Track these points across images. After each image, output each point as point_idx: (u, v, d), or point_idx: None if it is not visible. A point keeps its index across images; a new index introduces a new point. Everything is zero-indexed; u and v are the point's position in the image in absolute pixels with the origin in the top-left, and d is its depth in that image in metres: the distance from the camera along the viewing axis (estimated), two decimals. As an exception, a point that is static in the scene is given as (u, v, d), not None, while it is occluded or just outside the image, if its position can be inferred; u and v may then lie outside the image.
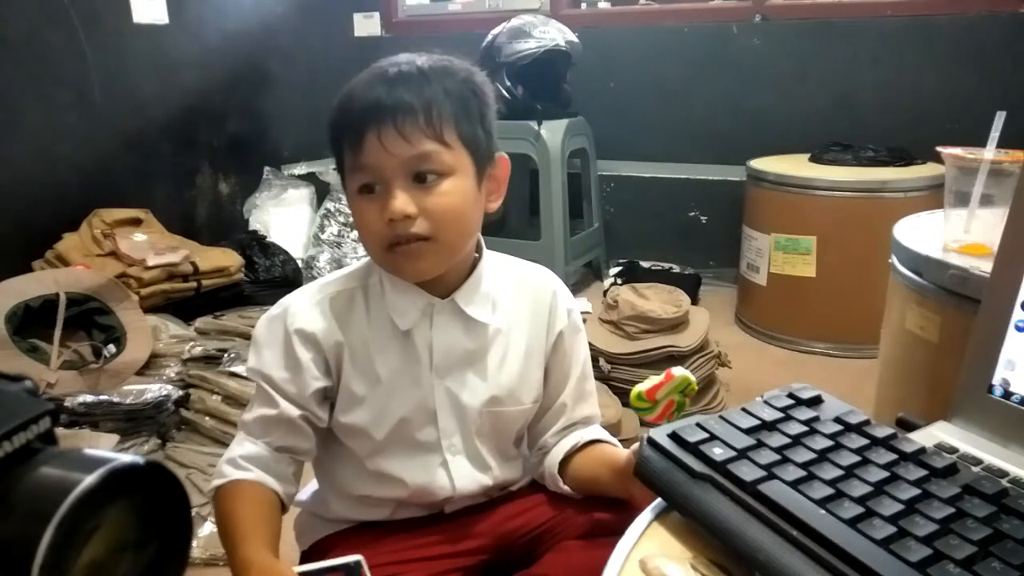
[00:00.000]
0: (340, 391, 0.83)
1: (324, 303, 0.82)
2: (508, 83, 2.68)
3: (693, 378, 0.78)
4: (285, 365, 0.81)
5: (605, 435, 0.89)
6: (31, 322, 1.90)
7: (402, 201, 0.74)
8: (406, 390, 0.83)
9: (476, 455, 0.87)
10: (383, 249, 0.77)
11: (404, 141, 0.74)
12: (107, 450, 0.37)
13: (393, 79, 0.76)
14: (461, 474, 0.85)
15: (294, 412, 0.81)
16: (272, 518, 0.80)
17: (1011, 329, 0.60)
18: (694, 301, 2.53)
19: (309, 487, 0.94)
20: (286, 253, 2.77)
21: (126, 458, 0.34)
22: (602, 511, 0.84)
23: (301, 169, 3.32)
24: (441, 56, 0.80)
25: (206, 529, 1.50)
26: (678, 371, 0.77)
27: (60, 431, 0.37)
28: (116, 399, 1.73)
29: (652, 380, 0.77)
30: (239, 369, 1.89)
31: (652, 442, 0.58)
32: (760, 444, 0.56)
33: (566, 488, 0.87)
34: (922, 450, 0.55)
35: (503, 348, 0.86)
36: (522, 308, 0.88)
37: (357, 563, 0.70)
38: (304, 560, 0.87)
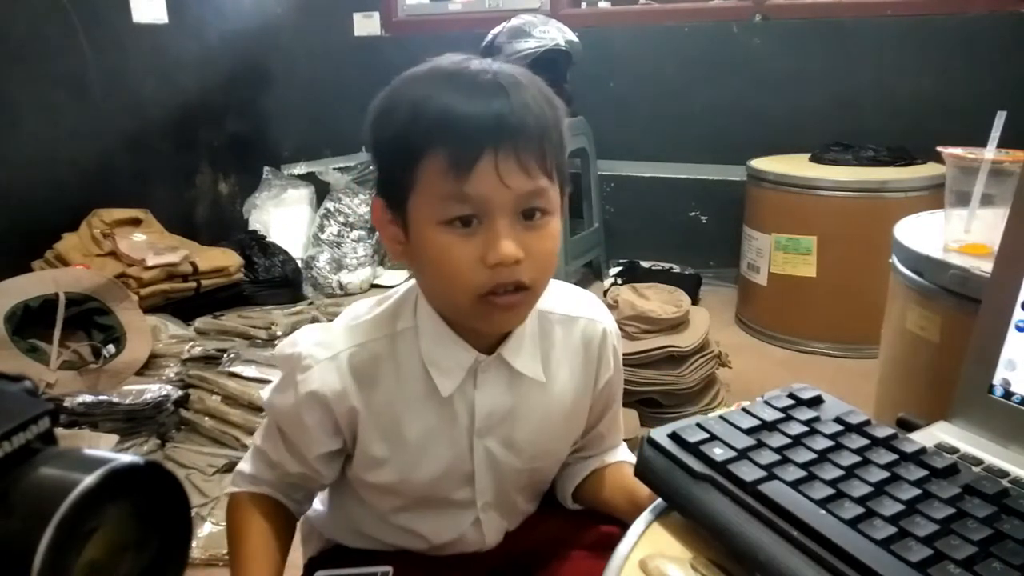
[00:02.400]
0: (357, 451, 0.75)
1: (342, 359, 0.72)
2: (508, 83, 2.67)
3: None
4: (293, 422, 0.74)
5: (628, 457, 0.84)
6: (31, 322, 1.90)
7: (513, 244, 0.63)
8: (440, 451, 0.75)
9: (509, 505, 0.82)
10: (475, 297, 0.65)
11: (523, 173, 0.63)
12: (106, 450, 0.37)
13: (506, 89, 0.63)
14: (492, 528, 0.81)
15: (295, 468, 0.77)
16: (280, 535, 0.79)
17: (1012, 329, 0.60)
18: (694, 301, 2.53)
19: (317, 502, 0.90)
20: (286, 253, 2.77)
21: (126, 458, 0.34)
22: (611, 525, 0.82)
23: (301, 169, 3.32)
24: (510, 65, 0.68)
25: (206, 529, 1.50)
26: None
27: (59, 431, 0.37)
28: (115, 399, 1.73)
29: None
30: (238, 369, 1.89)
31: (652, 442, 0.58)
32: (760, 444, 0.56)
33: (573, 506, 0.85)
34: (922, 450, 0.55)
35: (548, 401, 0.77)
36: (569, 355, 0.78)
37: (386, 573, 0.70)
38: (309, 567, 0.86)
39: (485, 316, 0.67)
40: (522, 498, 0.84)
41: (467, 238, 0.64)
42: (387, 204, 0.69)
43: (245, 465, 0.81)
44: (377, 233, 3.41)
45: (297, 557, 0.92)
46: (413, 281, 0.74)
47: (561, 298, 0.79)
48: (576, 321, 0.79)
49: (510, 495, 0.81)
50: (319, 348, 0.73)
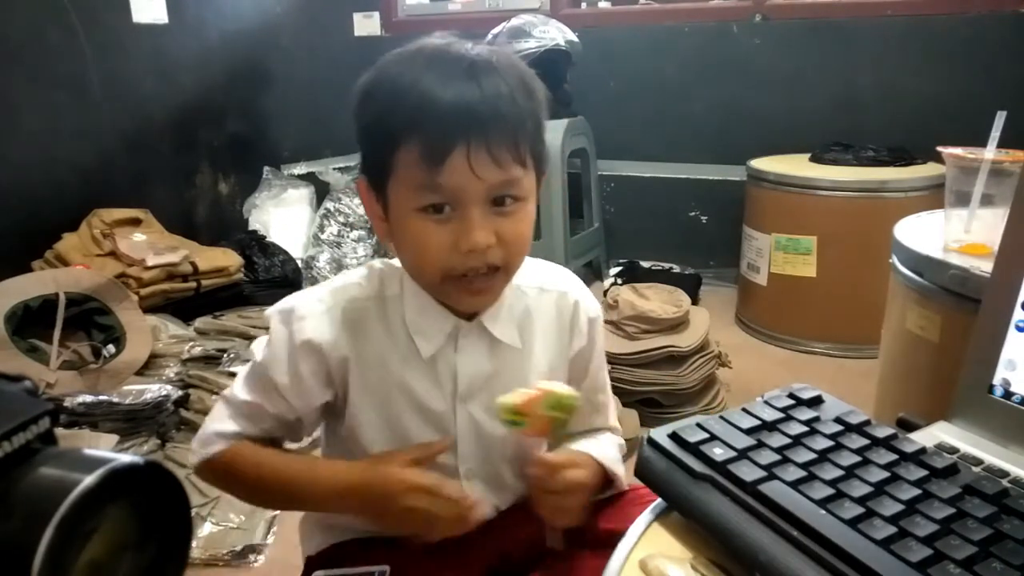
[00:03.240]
0: (348, 407, 0.78)
1: (335, 311, 0.75)
2: (508, 83, 2.68)
3: (573, 393, 0.68)
4: (288, 371, 0.76)
5: (606, 450, 0.84)
6: (31, 322, 1.90)
7: (485, 232, 0.66)
8: (423, 414, 0.78)
9: (495, 477, 0.83)
10: (447, 278, 0.69)
11: (495, 165, 0.65)
12: (106, 450, 0.37)
13: (479, 79, 0.65)
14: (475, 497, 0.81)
15: (290, 416, 0.78)
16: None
17: (1012, 329, 0.60)
18: (694, 301, 2.53)
19: None
20: (286, 253, 2.77)
21: (125, 458, 0.34)
22: (605, 521, 0.83)
23: (301, 169, 3.32)
24: (491, 45, 0.70)
25: (206, 529, 1.50)
26: (551, 386, 0.68)
27: (59, 431, 0.37)
28: (115, 399, 1.73)
29: (523, 393, 0.68)
30: (239, 369, 1.88)
31: (652, 442, 0.58)
32: (760, 444, 0.56)
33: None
34: (922, 450, 0.55)
35: (526, 367, 0.80)
36: (544, 323, 0.82)
37: (383, 573, 0.70)
38: (309, 566, 0.86)
39: (456, 296, 0.72)
40: (509, 472, 0.83)
41: (441, 224, 0.67)
42: (369, 184, 0.72)
43: (223, 424, 0.77)
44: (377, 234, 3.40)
45: (297, 556, 0.92)
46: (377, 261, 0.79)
47: (536, 273, 0.83)
48: (549, 293, 0.83)
49: (496, 466, 0.82)
50: (313, 302, 0.76)
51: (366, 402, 0.77)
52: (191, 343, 2.02)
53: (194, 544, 1.45)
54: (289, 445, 0.84)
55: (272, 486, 0.78)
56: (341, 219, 3.14)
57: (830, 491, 0.50)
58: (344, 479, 0.75)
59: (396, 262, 0.79)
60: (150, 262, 2.21)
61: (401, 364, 0.76)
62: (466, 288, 0.70)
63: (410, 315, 0.76)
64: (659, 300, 2.05)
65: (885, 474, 0.52)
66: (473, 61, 0.67)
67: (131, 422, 1.75)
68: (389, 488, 0.71)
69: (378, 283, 0.78)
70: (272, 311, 0.78)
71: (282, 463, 0.78)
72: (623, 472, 0.84)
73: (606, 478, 0.83)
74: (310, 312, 0.75)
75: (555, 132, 2.73)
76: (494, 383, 0.77)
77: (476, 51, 0.68)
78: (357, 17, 3.55)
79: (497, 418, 0.70)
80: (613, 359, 1.92)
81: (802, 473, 0.52)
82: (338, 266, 3.00)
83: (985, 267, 0.95)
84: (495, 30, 2.75)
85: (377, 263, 0.81)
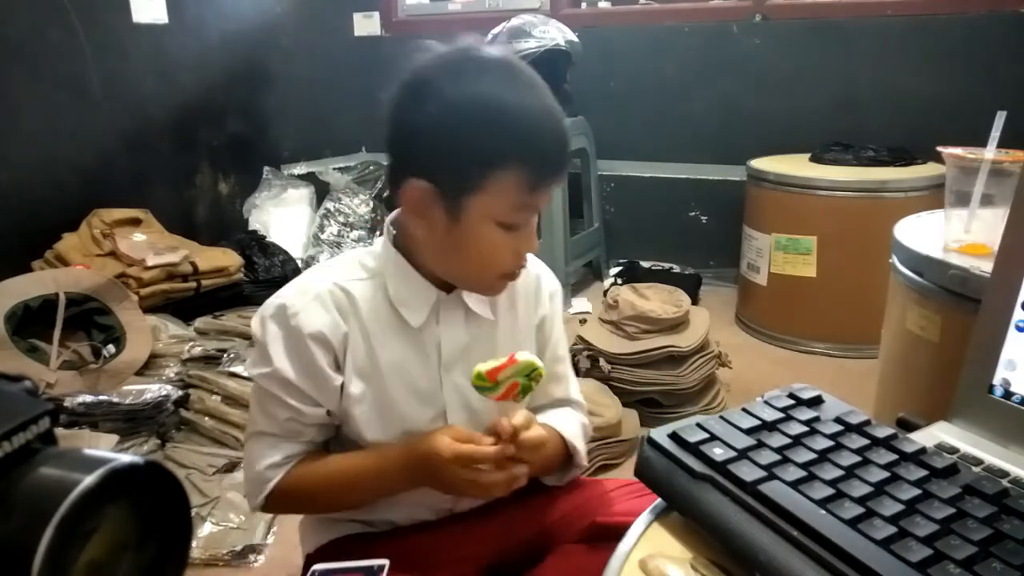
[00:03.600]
0: (344, 381, 0.81)
1: (324, 297, 0.79)
2: (508, 83, 2.68)
3: (539, 363, 0.74)
4: (301, 368, 0.78)
5: (567, 423, 0.88)
6: (31, 322, 1.89)
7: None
8: (412, 385, 0.82)
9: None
10: (498, 277, 0.79)
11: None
12: (106, 450, 0.37)
13: (557, 116, 0.75)
14: None
15: (321, 412, 0.80)
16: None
17: (1012, 329, 0.60)
18: (694, 301, 2.53)
19: None
20: (286, 253, 2.77)
21: (125, 458, 0.34)
22: (602, 516, 0.84)
23: (301, 169, 3.32)
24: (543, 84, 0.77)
25: (206, 529, 1.50)
26: (522, 355, 0.73)
27: (59, 431, 0.37)
28: (115, 399, 1.73)
29: (495, 361, 0.74)
30: (238, 369, 1.89)
31: (652, 442, 0.58)
32: (760, 444, 0.56)
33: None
34: (922, 450, 0.55)
35: (496, 337, 0.86)
36: (510, 296, 0.88)
37: (381, 567, 0.70)
38: (309, 563, 0.86)
39: (495, 288, 0.81)
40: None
41: (507, 235, 0.76)
42: (439, 192, 0.73)
43: (268, 458, 0.80)
44: (377, 233, 3.41)
45: (297, 556, 0.92)
46: (381, 239, 0.83)
47: None
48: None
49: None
50: (298, 295, 0.79)
51: (356, 377, 0.80)
52: (191, 343, 2.02)
53: (194, 544, 1.45)
54: None
55: (344, 491, 0.82)
56: (341, 219, 3.14)
57: (830, 491, 0.50)
58: (403, 462, 0.78)
59: (373, 247, 0.84)
60: (150, 262, 2.21)
61: (386, 338, 0.80)
62: (509, 281, 0.81)
63: (394, 289, 0.80)
64: (659, 300, 2.05)
65: (885, 474, 0.52)
66: (552, 104, 0.74)
67: (131, 422, 1.75)
68: (432, 463, 0.75)
69: (356, 265, 0.82)
70: (260, 318, 0.80)
71: (344, 467, 0.81)
72: (584, 448, 0.89)
73: (567, 452, 0.87)
74: (300, 305, 0.78)
75: (555, 132, 2.72)
76: (470, 352, 0.83)
77: (544, 90, 0.75)
78: (357, 17, 3.55)
79: (471, 384, 0.75)
80: (613, 359, 1.92)
81: (802, 473, 0.52)
82: (338, 266, 3.00)
83: (985, 267, 0.95)
84: (495, 30, 2.75)
85: (353, 250, 0.86)
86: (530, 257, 0.90)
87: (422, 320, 0.80)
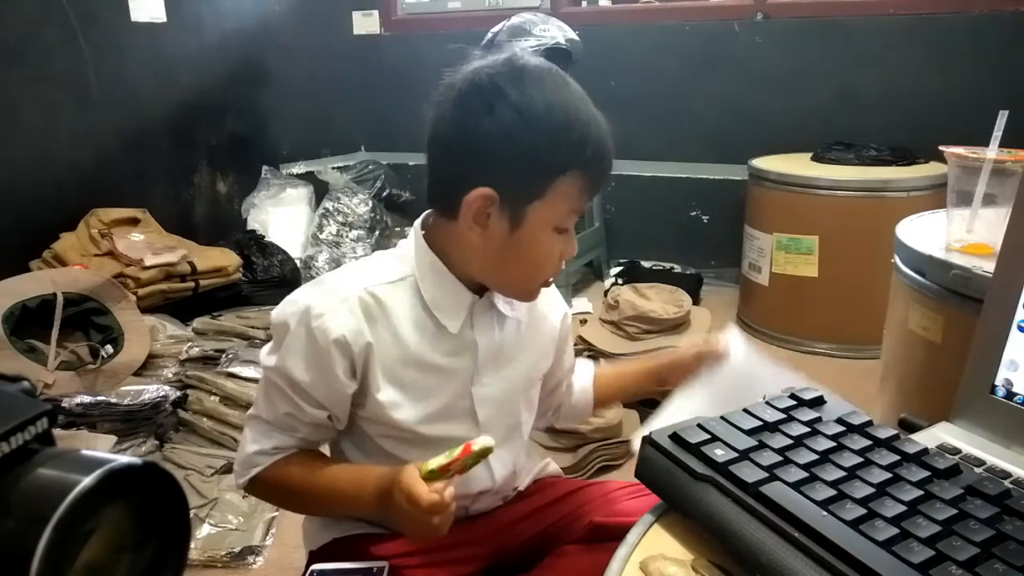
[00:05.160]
0: (370, 390, 0.79)
1: (352, 300, 0.77)
2: (508, 82, 2.67)
3: (491, 443, 0.70)
4: (313, 370, 0.77)
5: (589, 363, 1.03)
6: (28, 322, 1.89)
7: None
8: (445, 387, 0.81)
9: (514, 447, 0.88)
10: (541, 283, 0.81)
11: None
12: (104, 451, 0.37)
13: (605, 126, 0.77)
14: (499, 466, 0.86)
15: (322, 415, 0.79)
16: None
17: (1014, 329, 0.60)
18: (695, 301, 2.53)
19: None
20: (284, 253, 2.76)
21: (124, 459, 0.34)
22: (601, 517, 0.84)
23: (299, 168, 3.32)
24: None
25: (204, 530, 1.50)
26: (478, 443, 0.69)
27: (57, 432, 0.36)
28: (114, 400, 1.73)
29: (446, 456, 0.70)
30: (237, 370, 1.88)
31: (652, 442, 0.58)
32: (762, 445, 0.56)
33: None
34: (924, 451, 0.55)
35: (522, 336, 0.87)
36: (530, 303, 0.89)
37: (381, 569, 0.70)
38: (311, 561, 0.86)
39: (535, 293, 0.82)
40: (518, 435, 0.90)
41: (557, 239, 0.77)
42: (503, 200, 0.73)
43: (259, 443, 0.81)
44: (376, 232, 3.39)
45: (298, 557, 0.92)
46: (408, 241, 0.82)
47: None
48: None
49: (511, 431, 0.88)
50: (326, 297, 0.77)
51: (392, 384, 0.79)
52: (189, 343, 2.02)
53: (193, 545, 1.45)
54: None
55: (319, 499, 0.82)
56: (340, 219, 3.13)
57: (832, 492, 0.50)
58: (378, 491, 0.75)
59: (400, 250, 0.82)
60: (148, 262, 2.21)
61: (423, 342, 0.79)
62: (546, 287, 0.82)
63: (429, 294, 0.79)
64: (660, 300, 2.04)
65: (887, 475, 0.52)
66: (580, 88, 0.77)
67: (129, 423, 1.74)
68: (395, 496, 0.72)
69: (388, 269, 0.80)
70: (283, 313, 0.78)
71: (325, 477, 0.80)
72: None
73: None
74: (326, 307, 0.76)
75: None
76: (502, 354, 0.84)
77: (570, 78, 0.77)
78: (356, 15, 3.55)
79: (422, 477, 0.71)
80: (614, 360, 1.92)
81: (804, 474, 0.52)
82: (336, 266, 2.99)
83: (987, 267, 0.94)
84: (495, 28, 2.74)
85: (380, 252, 0.85)
86: None
87: (459, 325, 0.80)
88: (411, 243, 0.81)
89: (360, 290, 0.77)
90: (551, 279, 0.81)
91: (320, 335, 0.75)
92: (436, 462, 0.70)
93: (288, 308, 0.78)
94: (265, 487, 0.83)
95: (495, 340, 0.83)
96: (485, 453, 0.70)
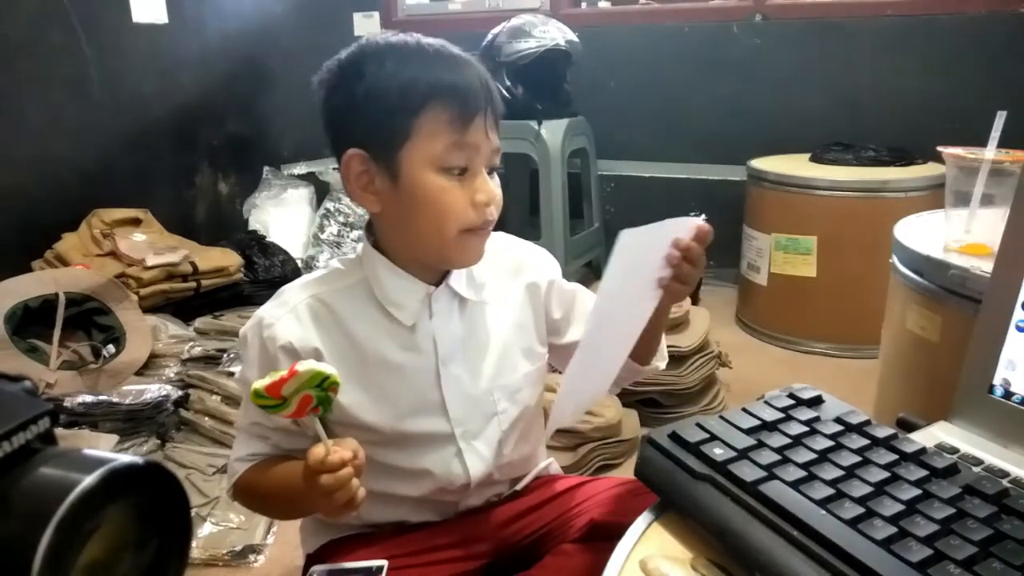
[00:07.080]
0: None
1: (299, 309, 0.80)
2: (508, 83, 2.68)
3: (328, 370, 0.67)
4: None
5: None
6: (30, 322, 1.89)
7: (495, 187, 0.78)
8: (410, 383, 0.81)
9: (492, 438, 0.86)
10: (459, 231, 0.76)
11: (494, 132, 0.78)
12: (106, 450, 0.37)
13: (473, 66, 0.77)
14: (475, 460, 0.84)
15: (286, 421, 0.78)
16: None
17: (1012, 329, 0.60)
18: (694, 301, 2.53)
19: None
20: (286, 253, 2.76)
21: (125, 458, 0.34)
22: (600, 515, 0.84)
23: (301, 169, 3.32)
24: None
25: (206, 529, 1.50)
26: (303, 365, 0.67)
27: (59, 431, 0.36)
28: (115, 399, 1.73)
29: (273, 375, 0.67)
30: (238, 369, 1.88)
31: (652, 442, 0.58)
32: (761, 444, 0.56)
33: (648, 367, 0.92)
34: (923, 450, 0.55)
35: (492, 321, 0.86)
36: (501, 279, 0.88)
37: (380, 568, 0.70)
38: (309, 563, 0.87)
39: (468, 247, 0.79)
40: (506, 428, 0.86)
41: (459, 184, 0.75)
42: (371, 156, 0.76)
43: (239, 451, 0.84)
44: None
45: (299, 555, 0.92)
46: (359, 247, 0.84)
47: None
48: (502, 251, 0.89)
49: (490, 424, 0.85)
50: (275, 308, 0.81)
51: (351, 384, 0.78)
52: (191, 343, 2.02)
53: (194, 544, 1.45)
54: None
55: (284, 499, 0.81)
56: (341, 219, 3.14)
57: (830, 491, 0.50)
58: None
59: (353, 256, 0.85)
60: (150, 262, 2.21)
61: (379, 340, 0.80)
62: (479, 238, 0.78)
63: (381, 291, 0.80)
64: (659, 300, 2.04)
65: (885, 474, 0.52)
66: (463, 54, 0.78)
67: (131, 422, 1.74)
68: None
69: (339, 275, 0.83)
70: (245, 328, 0.83)
71: (285, 474, 0.80)
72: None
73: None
74: (275, 317, 0.80)
75: (555, 132, 2.73)
76: (468, 342, 0.84)
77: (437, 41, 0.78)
78: (357, 17, 3.55)
79: (254, 404, 0.69)
80: (613, 359, 1.92)
81: (802, 473, 0.52)
82: (338, 266, 3.00)
83: (985, 267, 0.95)
84: (495, 30, 2.75)
85: (335, 260, 0.87)
86: (513, 243, 0.92)
87: (414, 318, 0.80)
88: (359, 248, 0.85)
89: (307, 298, 0.81)
90: (479, 228, 0.77)
91: (270, 344, 0.78)
92: (261, 383, 0.67)
93: (249, 322, 0.82)
94: (243, 493, 0.84)
95: (459, 328, 0.83)
96: (318, 379, 0.66)
